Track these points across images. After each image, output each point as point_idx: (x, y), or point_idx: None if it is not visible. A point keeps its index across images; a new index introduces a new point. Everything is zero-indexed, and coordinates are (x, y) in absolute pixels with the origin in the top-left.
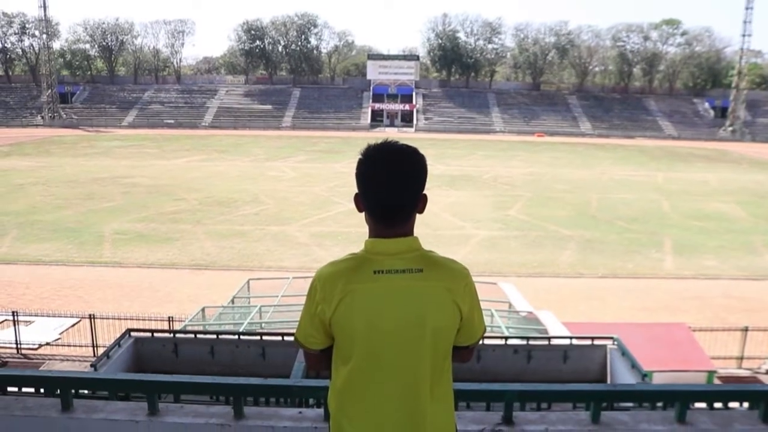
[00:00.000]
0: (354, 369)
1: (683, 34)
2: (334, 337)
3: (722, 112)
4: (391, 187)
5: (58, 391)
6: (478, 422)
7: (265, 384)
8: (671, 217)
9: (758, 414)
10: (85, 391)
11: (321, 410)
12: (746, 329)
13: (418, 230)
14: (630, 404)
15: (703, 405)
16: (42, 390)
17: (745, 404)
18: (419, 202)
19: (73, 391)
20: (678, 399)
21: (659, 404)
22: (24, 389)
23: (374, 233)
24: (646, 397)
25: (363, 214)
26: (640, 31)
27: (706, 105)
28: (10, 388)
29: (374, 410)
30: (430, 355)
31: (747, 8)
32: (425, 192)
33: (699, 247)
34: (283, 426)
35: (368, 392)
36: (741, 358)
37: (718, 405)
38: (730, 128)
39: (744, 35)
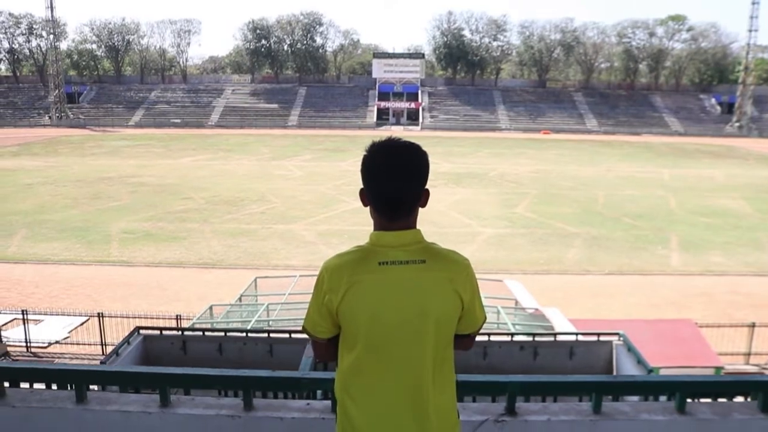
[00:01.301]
0: (359, 356)
1: (689, 30)
2: (341, 325)
3: (729, 108)
4: (395, 181)
5: (69, 386)
6: (482, 413)
7: (274, 376)
8: (677, 214)
9: (757, 404)
10: (95, 387)
11: (329, 402)
12: (753, 325)
13: (425, 229)
14: (635, 398)
15: (707, 400)
16: (54, 386)
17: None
18: (421, 196)
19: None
20: (678, 389)
21: (663, 397)
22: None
23: (379, 226)
24: (646, 387)
25: (368, 208)
26: (645, 27)
27: (713, 101)
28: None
29: (378, 396)
30: (432, 343)
31: (753, 3)
32: (427, 187)
33: (705, 244)
34: (291, 417)
35: (372, 379)
36: (748, 354)
37: (722, 400)
38: (737, 124)
39: (750, 30)
